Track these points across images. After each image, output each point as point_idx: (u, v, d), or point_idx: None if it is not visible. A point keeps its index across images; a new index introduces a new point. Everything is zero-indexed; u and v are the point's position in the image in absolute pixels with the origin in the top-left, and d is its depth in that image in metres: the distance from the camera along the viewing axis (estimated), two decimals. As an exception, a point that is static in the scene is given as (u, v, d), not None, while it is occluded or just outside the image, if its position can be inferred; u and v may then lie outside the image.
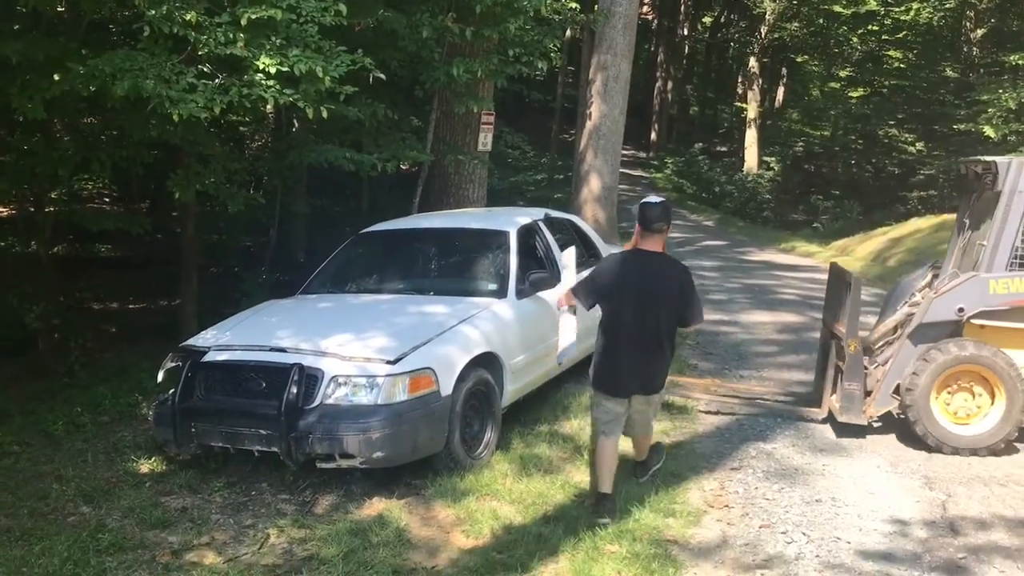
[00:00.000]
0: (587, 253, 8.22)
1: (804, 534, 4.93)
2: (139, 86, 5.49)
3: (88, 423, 6.75)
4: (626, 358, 5.14)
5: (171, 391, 5.61)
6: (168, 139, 7.17)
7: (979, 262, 6.40)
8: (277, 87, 6.08)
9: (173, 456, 5.90)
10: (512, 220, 7.40)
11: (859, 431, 6.52)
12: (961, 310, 6.30)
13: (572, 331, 5.80)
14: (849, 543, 4.82)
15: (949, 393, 6.32)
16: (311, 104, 6.31)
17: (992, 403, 6.25)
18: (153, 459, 6.02)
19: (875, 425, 6.68)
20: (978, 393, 6.28)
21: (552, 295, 6.99)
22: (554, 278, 6.89)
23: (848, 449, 6.30)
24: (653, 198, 5.24)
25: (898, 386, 6.40)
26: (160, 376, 5.90)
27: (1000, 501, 5.43)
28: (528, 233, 7.34)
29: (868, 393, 6.56)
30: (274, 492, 5.54)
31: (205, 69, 6.12)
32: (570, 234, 8.29)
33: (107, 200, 14.64)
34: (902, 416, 6.38)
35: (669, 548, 4.77)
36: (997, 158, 6.51)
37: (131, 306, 11.28)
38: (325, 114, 6.47)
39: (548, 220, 7.79)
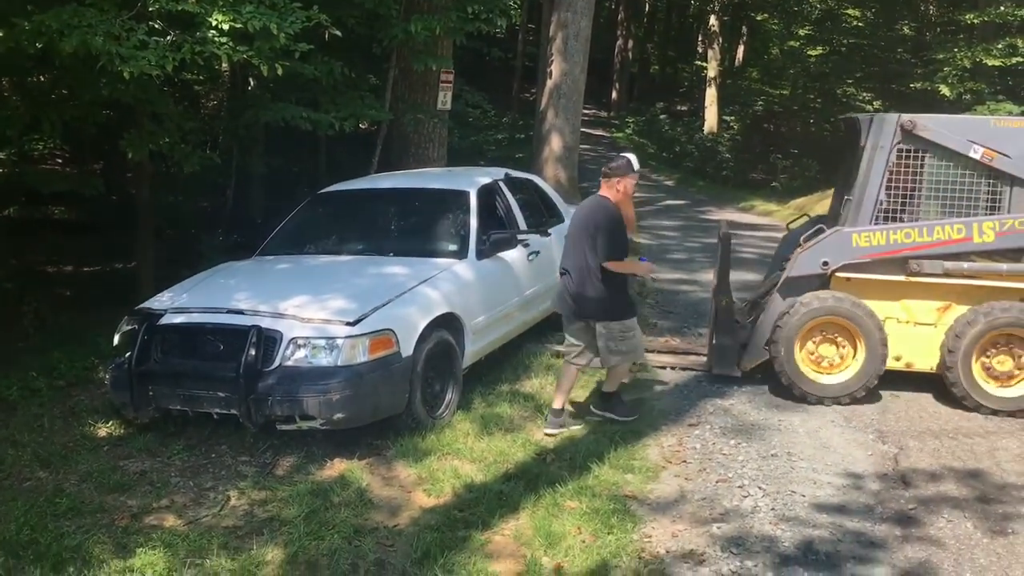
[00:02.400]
0: (547, 213, 8.22)
1: (760, 488, 5.03)
2: (88, 43, 5.34)
3: (43, 388, 6.64)
4: (567, 287, 5.84)
5: (127, 354, 5.54)
6: (120, 98, 6.99)
7: (845, 216, 6.64)
8: (230, 44, 5.96)
9: (131, 420, 5.84)
10: (472, 180, 7.37)
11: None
12: (825, 263, 6.51)
13: None
14: (804, 496, 4.92)
15: (815, 344, 6.53)
16: (265, 61, 6.19)
17: (855, 353, 6.46)
18: (111, 423, 5.96)
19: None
20: (841, 343, 6.50)
21: (512, 255, 7.01)
22: (514, 238, 6.89)
23: (803, 405, 6.41)
24: (624, 154, 5.85)
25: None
26: (116, 339, 5.82)
27: (950, 453, 5.57)
28: (488, 193, 7.31)
29: (744, 346, 6.76)
30: (234, 455, 5.52)
31: (156, 26, 5.96)
32: (530, 194, 8.27)
33: (59, 161, 14.30)
34: None
35: (628, 503, 4.85)
36: (861, 114, 6.74)
37: (86, 269, 11.08)
38: (280, 71, 6.36)
39: (508, 180, 7.76)
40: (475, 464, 5.33)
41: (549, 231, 7.63)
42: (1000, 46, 17.86)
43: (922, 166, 6.47)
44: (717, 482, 5.14)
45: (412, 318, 5.64)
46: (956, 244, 6.34)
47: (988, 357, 6.31)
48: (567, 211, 8.51)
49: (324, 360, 5.25)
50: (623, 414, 6.05)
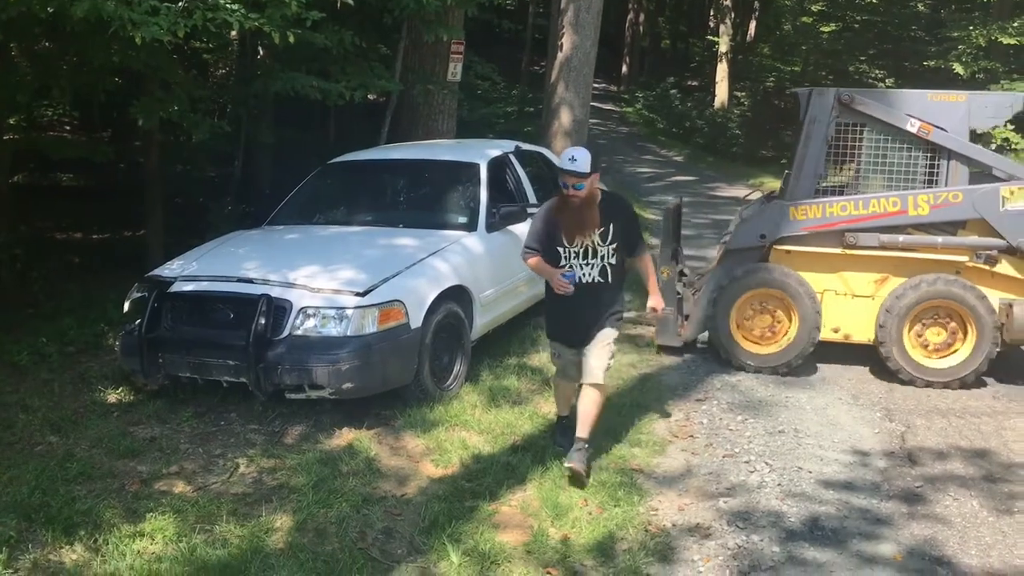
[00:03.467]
0: (556, 186, 8.17)
1: (767, 463, 5.05)
2: (99, 7, 5.30)
3: (54, 353, 6.67)
4: None
5: (137, 321, 5.56)
6: (130, 65, 6.96)
7: (785, 190, 6.74)
8: (242, 11, 5.93)
9: (141, 387, 5.87)
10: (483, 152, 7.33)
11: (825, 365, 6.62)
12: (763, 236, 6.66)
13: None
14: (810, 472, 4.94)
15: (751, 315, 6.67)
16: (276, 29, 6.15)
17: (790, 323, 6.54)
18: (121, 389, 5.98)
19: (700, 346, 7.10)
20: (776, 314, 6.61)
21: (522, 228, 6.99)
22: (524, 211, 6.87)
23: (811, 382, 6.42)
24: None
25: None
26: (126, 306, 5.84)
27: (957, 432, 5.58)
28: (499, 166, 7.28)
29: (687, 317, 6.88)
30: (243, 423, 5.54)
31: (168, -9, 5.92)
32: (540, 167, 8.25)
33: (68, 128, 14.28)
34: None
35: (635, 477, 4.87)
36: (801, 88, 6.83)
37: (95, 236, 11.09)
38: (291, 39, 6.32)
39: (519, 152, 7.73)
40: (483, 436, 5.35)
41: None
42: (1016, 24, 17.63)
43: (861, 140, 6.57)
44: (724, 457, 5.16)
45: (421, 290, 5.65)
46: (892, 217, 6.47)
47: (921, 329, 6.38)
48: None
49: (333, 330, 5.26)
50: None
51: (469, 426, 5.46)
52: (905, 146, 6.50)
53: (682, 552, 4.13)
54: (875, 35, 25.59)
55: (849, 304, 6.62)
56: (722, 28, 32.39)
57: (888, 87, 23.88)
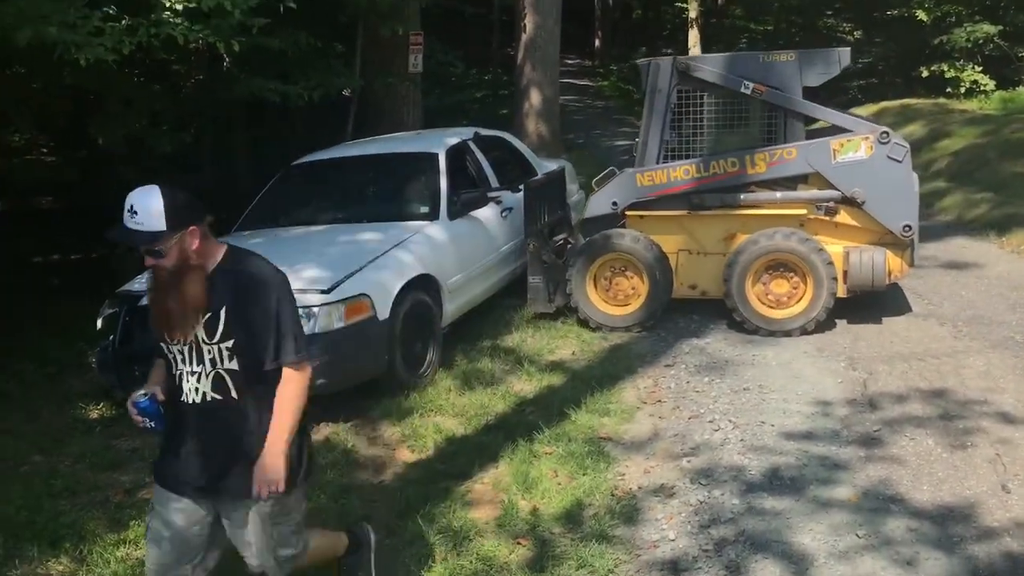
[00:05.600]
0: (521, 170, 8.30)
1: (730, 421, 5.18)
2: (41, 33, 5.39)
3: (37, 376, 6.79)
4: None
5: (111, 337, 5.68)
6: (83, 84, 7.05)
7: (634, 158, 7.06)
8: (186, 24, 6.02)
9: (121, 401, 5.98)
10: (441, 141, 7.44)
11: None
12: (615, 204, 7.00)
13: None
14: (773, 426, 5.08)
15: (608, 278, 6.95)
16: (223, 39, 6.25)
17: (644, 284, 6.83)
18: (102, 405, 6.10)
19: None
20: (630, 276, 6.90)
21: (485, 213, 7.12)
22: (484, 196, 6.98)
23: (777, 339, 6.54)
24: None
25: None
26: (99, 323, 5.95)
27: (918, 374, 5.72)
28: (458, 153, 7.39)
29: (557, 284, 7.12)
30: (223, 426, 5.66)
31: (111, 11, 6.00)
32: (503, 151, 8.35)
33: (43, 150, 14.34)
34: None
35: (603, 445, 5.00)
36: (642, 60, 7.19)
37: (72, 257, 11.19)
38: (237, 48, 6.42)
39: (478, 139, 7.83)
40: (457, 419, 5.48)
41: (520, 187, 7.72)
42: (976, -33, 17.74)
43: (701, 105, 6.86)
44: (689, 419, 5.30)
45: (386, 282, 5.75)
46: (732, 177, 6.77)
47: (767, 279, 6.61)
48: (543, 167, 8.59)
49: (301, 328, 5.35)
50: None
51: (443, 410, 5.59)
52: (744, 108, 6.81)
53: (647, 512, 4.27)
54: (840, -13, 25.60)
55: (702, 262, 6.92)
56: (691, -7, 32.35)
57: (856, 39, 23.95)
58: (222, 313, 2.91)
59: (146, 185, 2.85)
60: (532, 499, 4.44)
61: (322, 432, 5.41)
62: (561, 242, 7.50)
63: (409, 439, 5.25)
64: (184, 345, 2.97)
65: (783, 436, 4.93)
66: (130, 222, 2.81)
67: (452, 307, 6.51)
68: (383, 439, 5.31)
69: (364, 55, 10.67)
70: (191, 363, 2.98)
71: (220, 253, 3.01)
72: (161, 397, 3.04)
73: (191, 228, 2.86)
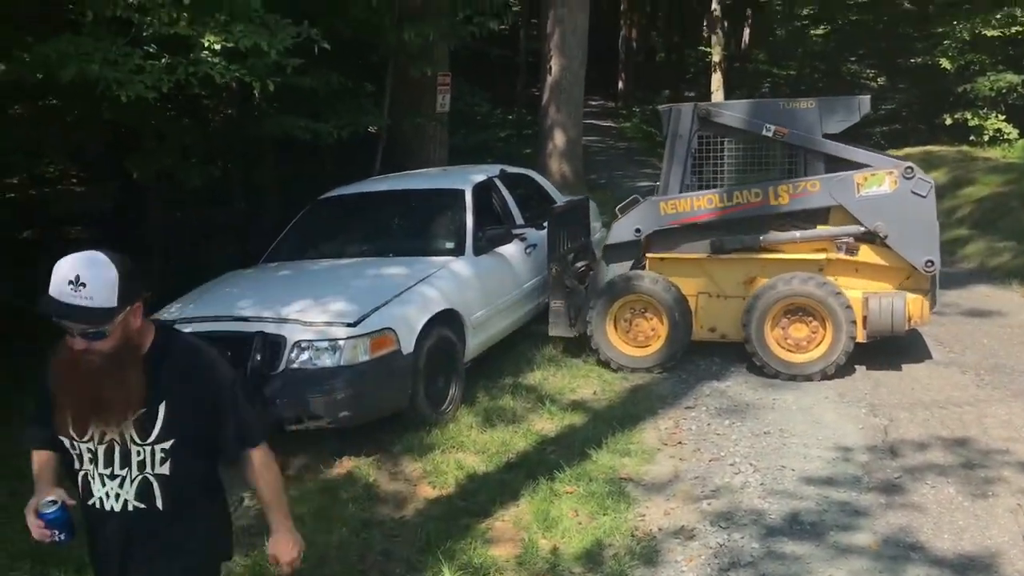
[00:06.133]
0: (545, 206, 8.39)
1: (751, 464, 5.20)
2: (85, 70, 5.56)
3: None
4: None
5: (140, 366, 5.75)
6: (121, 119, 7.24)
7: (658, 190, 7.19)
8: (223, 63, 6.17)
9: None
10: (467, 178, 7.57)
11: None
12: (638, 231, 7.04)
13: None
14: (793, 471, 5.09)
15: (628, 318, 7.02)
16: (258, 78, 6.41)
17: (663, 327, 6.88)
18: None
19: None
20: (650, 318, 6.98)
21: (510, 249, 7.22)
22: (510, 233, 7.09)
23: (798, 384, 6.55)
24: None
25: None
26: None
27: (939, 422, 5.71)
28: (484, 190, 7.52)
29: (579, 309, 7.20)
30: (247, 457, 5.73)
31: (151, 50, 6.19)
32: (527, 188, 8.47)
33: (74, 181, 14.62)
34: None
35: (623, 485, 5.03)
36: (663, 106, 7.35)
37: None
38: (271, 87, 6.58)
39: (504, 176, 7.96)
40: (478, 456, 5.52)
41: (544, 224, 7.82)
42: (999, 16, 17.82)
43: (722, 150, 6.96)
44: (710, 461, 5.31)
45: (411, 316, 5.83)
46: (754, 207, 6.81)
47: (786, 324, 6.64)
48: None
49: (327, 361, 5.44)
50: None
51: (465, 447, 5.63)
52: (764, 151, 6.91)
53: (667, 554, 4.28)
54: (864, 35, 25.78)
55: (723, 305, 6.97)
56: (714, 38, 32.60)
57: (880, 86, 24.08)
58: (161, 408, 2.46)
59: (87, 251, 2.39)
60: (552, 538, 4.47)
61: (344, 466, 5.47)
62: (583, 268, 7.61)
63: (430, 475, 5.29)
64: (100, 444, 2.48)
65: (803, 481, 4.95)
66: (75, 296, 2.31)
67: (475, 342, 6.58)
68: (404, 474, 5.36)
69: (393, 94, 10.85)
70: (109, 465, 2.50)
71: (151, 333, 2.54)
72: (71, 502, 2.53)
73: (137, 303, 2.43)
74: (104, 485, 2.52)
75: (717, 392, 6.49)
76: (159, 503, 2.53)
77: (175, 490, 2.53)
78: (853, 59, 25.55)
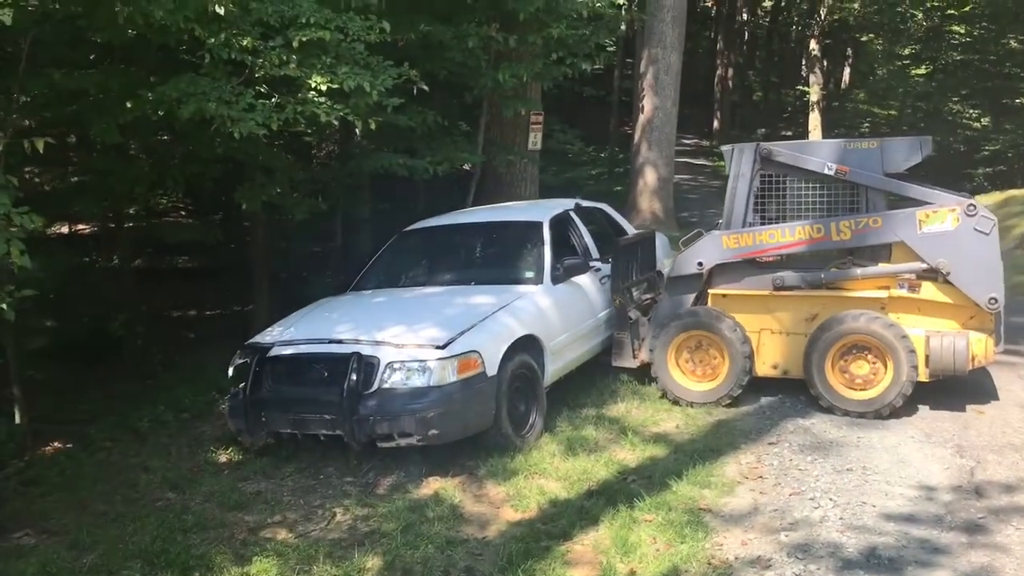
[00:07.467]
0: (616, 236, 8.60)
1: (831, 500, 5.20)
2: (203, 108, 6.02)
3: (171, 420, 7.36)
4: None
5: (241, 385, 6.13)
6: (233, 154, 7.71)
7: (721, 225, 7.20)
8: (329, 103, 6.56)
9: (248, 447, 6.41)
10: (545, 211, 7.88)
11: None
12: (700, 264, 7.09)
13: None
14: (874, 507, 5.08)
15: (689, 353, 7.08)
16: (360, 117, 6.79)
17: (724, 362, 6.88)
18: (231, 450, 6.56)
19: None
20: (712, 355, 6.99)
21: (585, 279, 7.45)
22: (586, 264, 7.39)
23: (884, 422, 6.50)
24: None
25: None
26: (230, 372, 6.42)
27: (1030, 466, 5.61)
28: (560, 222, 7.79)
29: (643, 340, 7.30)
30: (340, 476, 6.02)
31: (262, 90, 6.61)
32: (600, 221, 8.69)
33: (183, 213, 15.39)
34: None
35: (702, 516, 5.10)
36: (725, 145, 7.38)
37: (207, 312, 11.96)
38: (373, 125, 6.95)
39: (579, 209, 8.23)
40: (560, 482, 5.67)
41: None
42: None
43: (783, 189, 7.00)
44: (790, 495, 5.34)
45: (495, 341, 6.08)
46: (817, 243, 6.87)
47: (847, 362, 6.61)
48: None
49: (418, 381, 5.73)
50: None
51: (547, 474, 5.79)
52: (826, 191, 6.92)
53: (742, 582, 4.35)
54: (969, 74, 25.21)
55: (785, 342, 6.97)
56: (812, 78, 32.32)
57: (983, 126, 23.49)
58: None
59: None
60: (630, 562, 4.58)
61: (431, 487, 5.70)
62: (649, 301, 7.75)
63: (513, 499, 5.46)
64: None
65: (884, 517, 4.94)
66: None
67: (553, 368, 6.78)
68: (488, 497, 5.54)
69: (487, 133, 11.19)
70: None
71: None
72: None
73: None
74: None
75: (801, 429, 6.49)
76: None
77: None
78: (956, 99, 24.95)
